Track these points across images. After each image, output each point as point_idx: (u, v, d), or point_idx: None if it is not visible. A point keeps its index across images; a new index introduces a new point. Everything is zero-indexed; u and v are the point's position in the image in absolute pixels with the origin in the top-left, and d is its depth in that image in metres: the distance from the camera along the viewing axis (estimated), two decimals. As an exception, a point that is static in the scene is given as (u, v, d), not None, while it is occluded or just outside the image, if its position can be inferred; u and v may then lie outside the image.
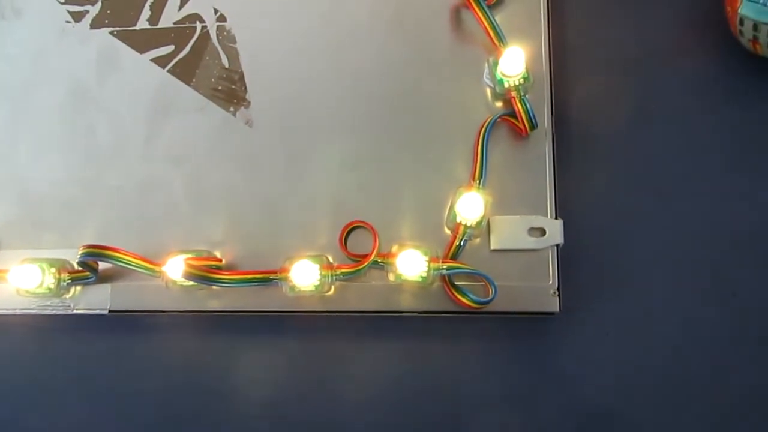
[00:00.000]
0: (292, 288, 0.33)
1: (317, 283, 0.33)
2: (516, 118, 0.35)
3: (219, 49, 0.39)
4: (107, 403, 0.37)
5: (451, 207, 0.35)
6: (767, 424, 0.33)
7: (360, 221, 0.35)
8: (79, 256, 0.32)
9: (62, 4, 0.41)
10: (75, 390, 0.37)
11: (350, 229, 0.35)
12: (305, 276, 0.33)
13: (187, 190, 0.37)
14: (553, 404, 0.34)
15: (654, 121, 0.36)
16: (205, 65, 0.39)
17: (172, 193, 0.37)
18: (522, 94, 0.35)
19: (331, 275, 0.33)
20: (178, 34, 0.40)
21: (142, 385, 0.37)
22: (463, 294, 0.34)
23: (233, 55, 0.39)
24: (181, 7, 0.40)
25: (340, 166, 0.36)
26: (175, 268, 0.33)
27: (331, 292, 0.35)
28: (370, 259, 0.33)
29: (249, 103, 0.38)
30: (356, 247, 0.35)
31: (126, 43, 0.40)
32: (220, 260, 0.35)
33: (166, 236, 0.36)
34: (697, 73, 0.37)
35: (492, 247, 0.34)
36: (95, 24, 0.41)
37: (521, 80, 0.35)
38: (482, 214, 0.34)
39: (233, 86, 0.39)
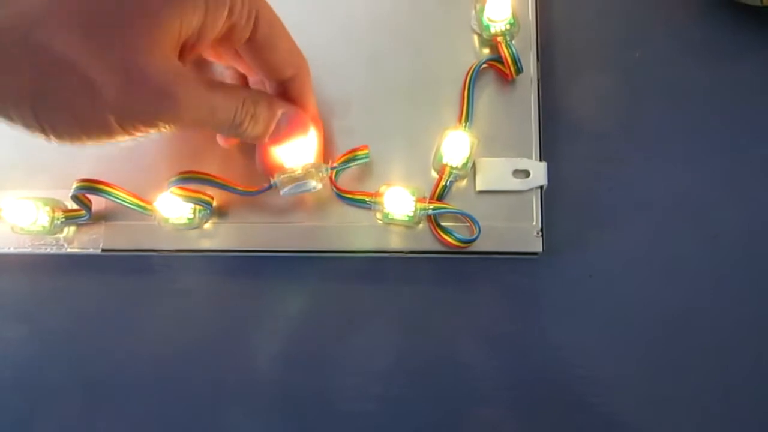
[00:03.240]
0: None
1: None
2: (502, 63, 0.35)
3: None
4: (99, 345, 0.37)
5: (438, 149, 0.35)
6: (750, 363, 0.34)
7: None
8: (73, 190, 0.33)
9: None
10: (67, 329, 0.38)
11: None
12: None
13: (181, 135, 0.38)
14: (535, 344, 0.35)
15: (639, 69, 0.37)
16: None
17: (165, 139, 0.38)
18: (508, 39, 0.35)
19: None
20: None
21: (136, 326, 0.37)
22: (449, 234, 0.34)
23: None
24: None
25: (330, 111, 0.37)
26: (165, 203, 0.34)
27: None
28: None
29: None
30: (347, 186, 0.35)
31: None
32: (212, 197, 0.35)
33: (162, 181, 0.37)
34: (684, 23, 0.38)
35: (477, 189, 0.35)
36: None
37: (507, 26, 0.35)
38: (468, 155, 0.34)
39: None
